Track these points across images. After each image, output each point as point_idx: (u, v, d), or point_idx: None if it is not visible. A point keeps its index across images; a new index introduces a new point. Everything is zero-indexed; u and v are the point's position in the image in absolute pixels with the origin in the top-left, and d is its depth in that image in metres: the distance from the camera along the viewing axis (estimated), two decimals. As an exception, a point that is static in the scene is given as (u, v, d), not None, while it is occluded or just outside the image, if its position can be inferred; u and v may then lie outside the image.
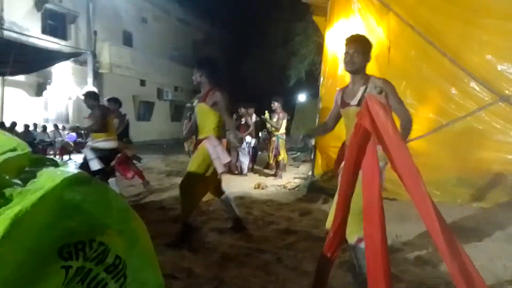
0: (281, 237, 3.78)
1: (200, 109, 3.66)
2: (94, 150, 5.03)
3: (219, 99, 3.52)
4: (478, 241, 3.50)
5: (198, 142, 3.68)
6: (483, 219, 4.20)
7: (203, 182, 3.54)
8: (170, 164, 10.63)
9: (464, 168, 4.95)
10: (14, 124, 12.06)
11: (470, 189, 4.88)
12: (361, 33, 2.65)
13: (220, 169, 3.52)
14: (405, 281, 2.68)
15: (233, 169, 8.45)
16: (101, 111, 5.09)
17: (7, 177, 1.06)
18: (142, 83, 20.31)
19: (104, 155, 5.05)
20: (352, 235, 2.36)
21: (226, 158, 3.51)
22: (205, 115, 3.61)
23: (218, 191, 3.90)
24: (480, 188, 4.83)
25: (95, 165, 4.93)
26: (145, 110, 20.72)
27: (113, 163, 5.37)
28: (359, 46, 2.50)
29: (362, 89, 2.45)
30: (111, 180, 5.32)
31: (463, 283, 1.19)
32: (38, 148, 11.80)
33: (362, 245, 2.35)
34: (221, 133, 3.69)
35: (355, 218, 2.05)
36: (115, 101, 6.18)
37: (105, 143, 5.08)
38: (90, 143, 5.14)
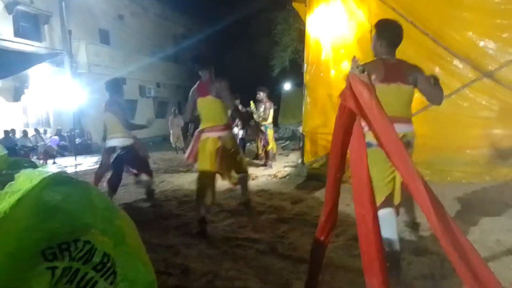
0: (274, 226, 3.76)
1: (206, 102, 3.82)
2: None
3: (222, 87, 3.76)
4: (470, 216, 3.53)
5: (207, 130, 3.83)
6: (474, 195, 4.25)
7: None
8: (157, 162, 10.52)
9: (451, 147, 4.99)
10: (-7, 131, 11.76)
11: (459, 166, 4.93)
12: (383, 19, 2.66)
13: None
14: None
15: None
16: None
17: (-17, 181, 1.00)
18: (123, 81, 19.97)
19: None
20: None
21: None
22: (214, 106, 3.80)
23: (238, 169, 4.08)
24: (469, 165, 4.88)
25: None
26: (128, 109, 20.40)
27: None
28: (375, 33, 2.59)
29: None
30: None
31: (457, 256, 1.18)
32: (20, 153, 11.54)
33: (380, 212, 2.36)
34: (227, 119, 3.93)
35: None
36: None
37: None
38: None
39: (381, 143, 1.40)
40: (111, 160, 4.81)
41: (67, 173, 1.09)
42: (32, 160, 1.20)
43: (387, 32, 2.58)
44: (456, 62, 4.98)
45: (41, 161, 12.27)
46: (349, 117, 1.52)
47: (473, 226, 3.26)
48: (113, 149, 4.81)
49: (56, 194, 0.97)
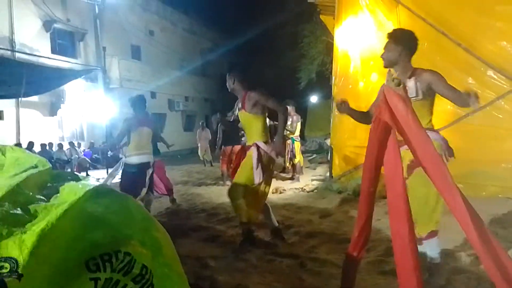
0: (302, 240, 3.71)
1: (242, 117, 3.60)
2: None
3: (257, 98, 3.45)
4: (506, 233, 3.38)
5: (247, 148, 3.62)
6: (510, 211, 4.06)
7: (252, 189, 3.46)
8: (185, 175, 10.66)
9: (486, 160, 4.80)
10: (31, 144, 12.28)
11: (494, 181, 4.73)
12: (399, 28, 2.67)
13: (256, 180, 3.42)
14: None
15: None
16: None
17: (31, 194, 1.05)
18: (153, 95, 20.50)
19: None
20: (423, 228, 2.35)
21: (259, 176, 3.41)
22: (248, 122, 3.56)
23: None
24: (505, 180, 4.68)
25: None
26: (157, 122, 20.82)
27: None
28: (391, 42, 2.54)
29: (411, 80, 2.45)
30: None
31: (498, 275, 1.14)
32: (56, 166, 11.97)
33: (433, 240, 2.40)
34: (268, 137, 3.59)
35: (424, 210, 2.08)
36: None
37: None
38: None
39: (417, 156, 1.38)
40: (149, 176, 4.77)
41: (107, 185, 1.13)
42: (74, 173, 1.25)
43: (412, 41, 2.57)
44: (490, 72, 4.84)
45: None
46: (384, 130, 1.50)
47: (509, 242, 3.11)
48: (147, 164, 4.74)
49: (98, 206, 1.01)
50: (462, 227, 1.19)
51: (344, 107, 2.63)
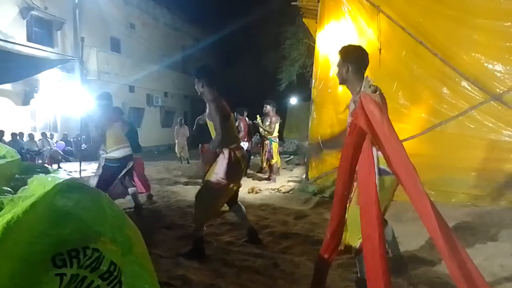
0: (277, 241, 3.73)
1: (208, 123, 3.54)
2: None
3: (211, 110, 3.38)
4: (474, 240, 3.49)
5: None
6: (478, 218, 4.19)
7: (220, 193, 3.42)
8: (161, 171, 10.53)
9: (457, 168, 4.95)
10: (1, 133, 11.86)
11: (465, 188, 4.88)
12: (351, 42, 2.64)
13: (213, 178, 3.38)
14: (404, 280, 2.66)
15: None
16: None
17: (-3, 185, 1.01)
18: (131, 89, 20.17)
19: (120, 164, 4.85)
20: (355, 239, 2.33)
21: (220, 174, 3.37)
22: (211, 127, 3.50)
23: (231, 201, 3.70)
24: (474, 187, 4.84)
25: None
26: (135, 117, 20.56)
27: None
28: (340, 59, 2.50)
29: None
30: (132, 189, 5.14)
31: (463, 281, 1.17)
32: (26, 157, 11.60)
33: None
34: (234, 140, 3.54)
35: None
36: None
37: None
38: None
39: (390, 162, 1.41)
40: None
41: (78, 180, 1.10)
42: (44, 165, 1.22)
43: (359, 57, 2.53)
44: (464, 83, 4.98)
45: (48, 165, 12.34)
46: (359, 135, 1.52)
47: (477, 250, 3.21)
48: (130, 157, 4.92)
49: (68, 201, 0.98)
50: (430, 233, 1.23)
51: (317, 146, 2.66)
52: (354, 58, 2.48)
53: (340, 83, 2.58)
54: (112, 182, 4.85)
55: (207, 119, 3.55)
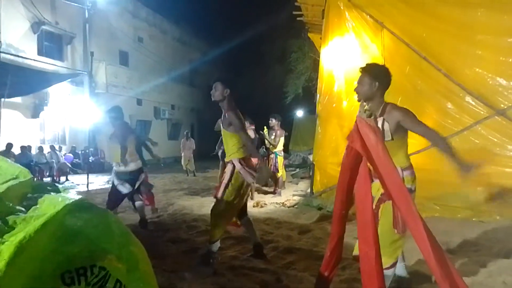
0: (280, 256, 3.73)
1: (222, 131, 3.57)
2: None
3: (232, 120, 3.40)
4: (478, 256, 3.47)
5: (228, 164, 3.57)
6: (483, 234, 4.17)
7: (233, 205, 3.44)
8: (167, 184, 10.59)
9: (463, 183, 4.94)
10: (10, 146, 12.00)
11: (470, 204, 4.86)
12: (372, 62, 2.70)
13: (218, 194, 3.42)
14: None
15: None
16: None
17: (11, 205, 1.07)
18: (139, 102, 20.39)
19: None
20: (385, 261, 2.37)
21: (249, 180, 3.45)
22: (225, 138, 3.53)
23: (241, 214, 3.70)
24: (480, 203, 4.82)
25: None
26: (142, 129, 20.74)
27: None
28: (367, 76, 2.57)
29: (379, 120, 2.43)
30: (138, 203, 5.13)
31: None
32: (35, 170, 11.73)
33: (388, 272, 2.36)
34: (245, 153, 3.51)
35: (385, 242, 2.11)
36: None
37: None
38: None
39: (384, 185, 1.45)
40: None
41: (87, 199, 1.16)
42: (54, 184, 1.26)
43: (387, 77, 2.61)
44: (468, 98, 5.01)
45: (54, 178, 12.47)
46: (355, 158, 1.57)
47: (480, 266, 3.18)
48: (141, 169, 5.05)
49: (77, 220, 1.03)
50: (422, 252, 1.27)
51: None
52: (383, 77, 2.57)
53: (364, 100, 2.60)
54: (126, 195, 4.96)
55: (221, 127, 3.57)
